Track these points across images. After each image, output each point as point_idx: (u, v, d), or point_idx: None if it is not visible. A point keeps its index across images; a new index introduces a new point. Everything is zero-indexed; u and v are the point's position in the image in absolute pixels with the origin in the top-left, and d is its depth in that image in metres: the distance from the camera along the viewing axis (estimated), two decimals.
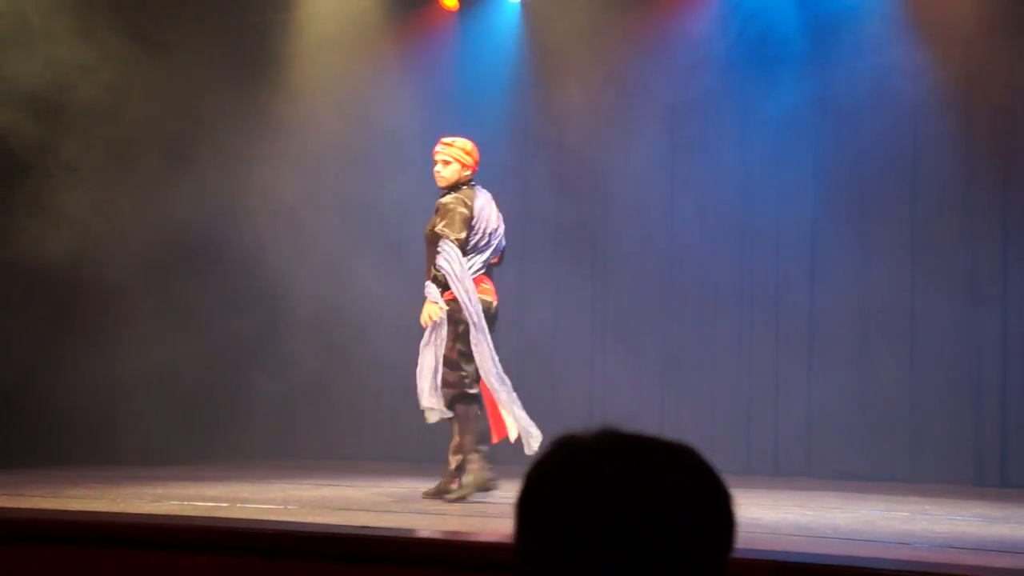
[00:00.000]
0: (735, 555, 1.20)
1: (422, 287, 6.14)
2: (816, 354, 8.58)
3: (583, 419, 8.55)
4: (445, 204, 6.05)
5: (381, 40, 9.37)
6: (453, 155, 6.15)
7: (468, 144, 6.21)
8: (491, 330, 6.07)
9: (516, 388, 6.09)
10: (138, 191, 8.34)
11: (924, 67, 8.33)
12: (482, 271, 6.09)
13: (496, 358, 5.96)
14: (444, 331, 5.97)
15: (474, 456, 6.02)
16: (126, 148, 8.24)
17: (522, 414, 6.00)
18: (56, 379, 8.21)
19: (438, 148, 6.22)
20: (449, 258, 5.93)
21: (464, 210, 6.00)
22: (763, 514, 5.63)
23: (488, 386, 5.99)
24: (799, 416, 8.61)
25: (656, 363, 8.95)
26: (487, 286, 6.11)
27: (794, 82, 8.60)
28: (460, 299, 5.93)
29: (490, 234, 6.10)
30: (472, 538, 4.34)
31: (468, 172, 6.16)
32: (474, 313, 5.91)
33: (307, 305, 9.21)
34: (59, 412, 8.25)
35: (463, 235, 5.96)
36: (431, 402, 6.00)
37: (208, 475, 7.40)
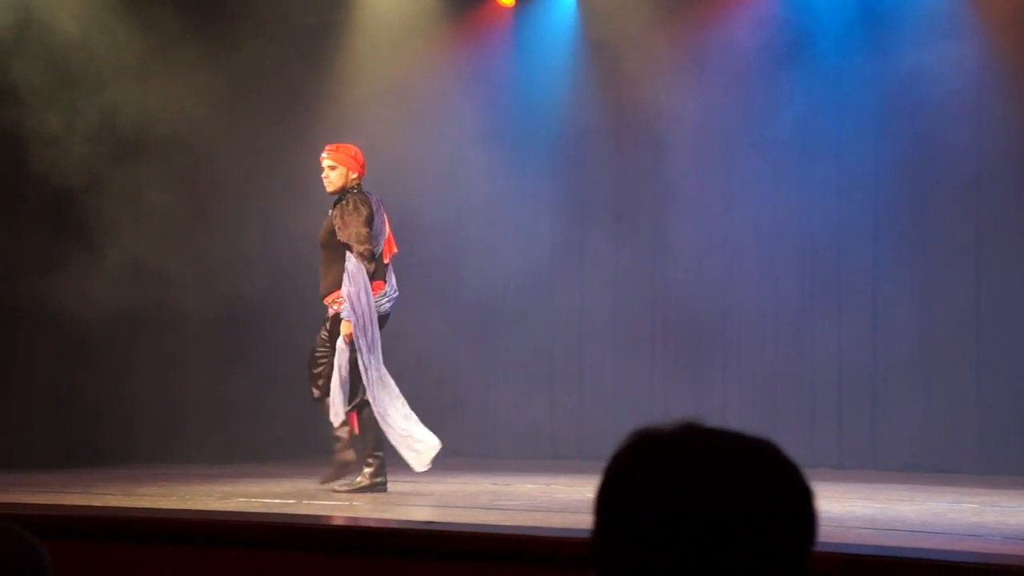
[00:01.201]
0: None
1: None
2: (880, 344, 8.50)
3: (643, 412, 8.54)
4: (344, 212, 6.23)
5: (437, 39, 9.38)
6: (339, 160, 6.32)
7: (353, 149, 6.39)
8: (380, 327, 6.30)
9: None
10: (212, 224, 8.45)
11: (984, 58, 8.19)
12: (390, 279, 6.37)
13: (377, 369, 6.19)
14: (357, 341, 6.20)
15: (372, 459, 6.25)
16: (195, 178, 8.36)
17: (406, 426, 6.21)
18: (125, 380, 8.33)
19: (324, 154, 6.39)
20: (354, 278, 6.16)
21: (364, 220, 6.18)
22: (830, 507, 5.59)
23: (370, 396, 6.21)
24: (863, 408, 8.53)
25: (716, 354, 8.90)
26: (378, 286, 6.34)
27: (852, 73, 8.51)
28: (359, 317, 6.16)
29: (378, 237, 6.31)
30: (540, 533, 4.35)
31: (355, 176, 6.32)
32: (368, 335, 6.15)
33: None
34: (127, 412, 8.37)
35: (367, 245, 6.16)
36: (337, 404, 6.22)
37: (273, 472, 7.46)
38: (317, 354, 6.41)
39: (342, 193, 6.30)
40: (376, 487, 6.24)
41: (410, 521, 4.70)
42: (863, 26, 8.53)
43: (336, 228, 6.25)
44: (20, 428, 7.98)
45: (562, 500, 5.98)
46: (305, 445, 8.62)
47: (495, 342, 9.33)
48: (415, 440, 6.24)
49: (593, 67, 9.32)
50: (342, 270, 6.20)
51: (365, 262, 6.18)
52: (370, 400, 6.21)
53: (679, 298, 9.00)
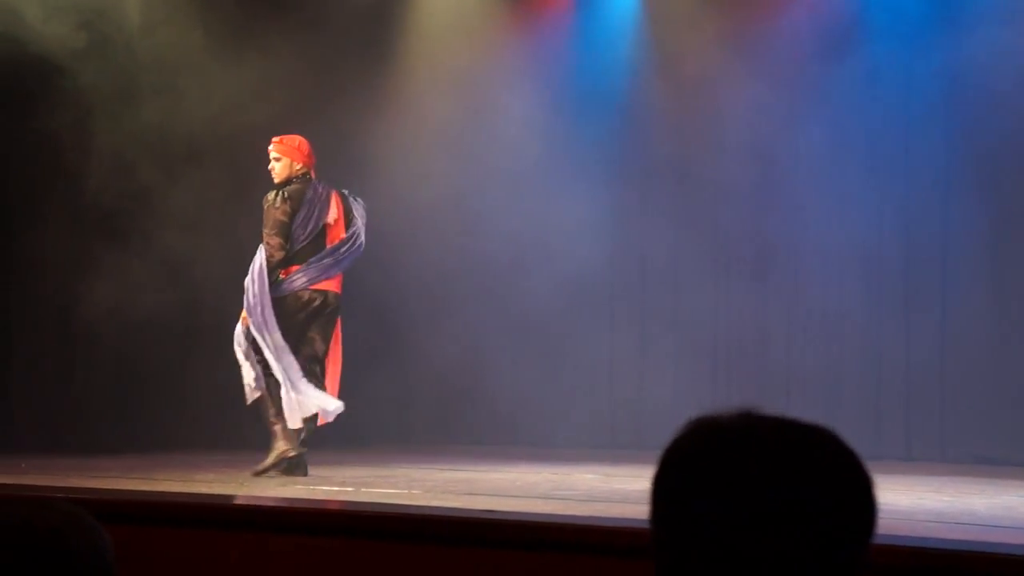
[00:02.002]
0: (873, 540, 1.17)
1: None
2: (948, 335, 8.38)
3: (704, 403, 8.54)
4: (269, 205, 6.52)
5: (497, 26, 9.32)
6: (283, 151, 6.55)
7: (297, 140, 6.59)
8: (331, 320, 6.59)
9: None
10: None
11: None
12: (318, 262, 6.52)
13: (278, 352, 6.42)
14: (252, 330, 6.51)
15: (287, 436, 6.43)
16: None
17: (310, 393, 6.43)
18: (185, 366, 8.42)
19: (271, 147, 6.61)
20: (254, 261, 6.46)
21: (279, 210, 6.44)
22: (898, 499, 5.52)
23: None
24: (932, 399, 8.43)
25: (779, 345, 8.83)
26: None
27: (922, 56, 8.38)
28: (251, 304, 6.45)
29: (324, 225, 6.54)
30: (600, 523, 4.34)
31: (299, 166, 6.54)
32: (257, 314, 6.41)
33: (427, 293, 9.29)
34: (187, 397, 8.46)
35: (275, 237, 6.43)
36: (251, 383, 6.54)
37: (330, 459, 7.51)
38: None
39: (284, 183, 6.54)
40: (285, 463, 6.37)
41: (469, 510, 4.71)
42: (933, 12, 8.39)
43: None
44: (80, 413, 8.10)
45: (622, 490, 5.96)
46: (361, 432, 8.66)
47: (553, 332, 9.32)
48: (315, 399, 6.44)
49: (656, 53, 9.20)
50: None
51: (272, 252, 6.44)
52: (278, 379, 6.40)
53: (741, 292, 8.94)
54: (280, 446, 6.41)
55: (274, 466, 6.37)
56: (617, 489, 6.05)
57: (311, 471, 6.52)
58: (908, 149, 8.57)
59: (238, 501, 5.08)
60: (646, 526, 1.19)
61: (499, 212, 9.02)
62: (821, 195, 8.68)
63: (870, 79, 8.55)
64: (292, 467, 6.41)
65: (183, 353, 8.48)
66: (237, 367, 6.63)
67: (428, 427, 9.60)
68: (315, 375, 6.51)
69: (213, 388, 8.65)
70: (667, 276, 9.16)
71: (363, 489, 5.89)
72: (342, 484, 6.10)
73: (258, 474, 6.31)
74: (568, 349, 9.32)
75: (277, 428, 6.45)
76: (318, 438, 8.58)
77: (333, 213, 6.59)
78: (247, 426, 8.66)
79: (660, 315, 9.15)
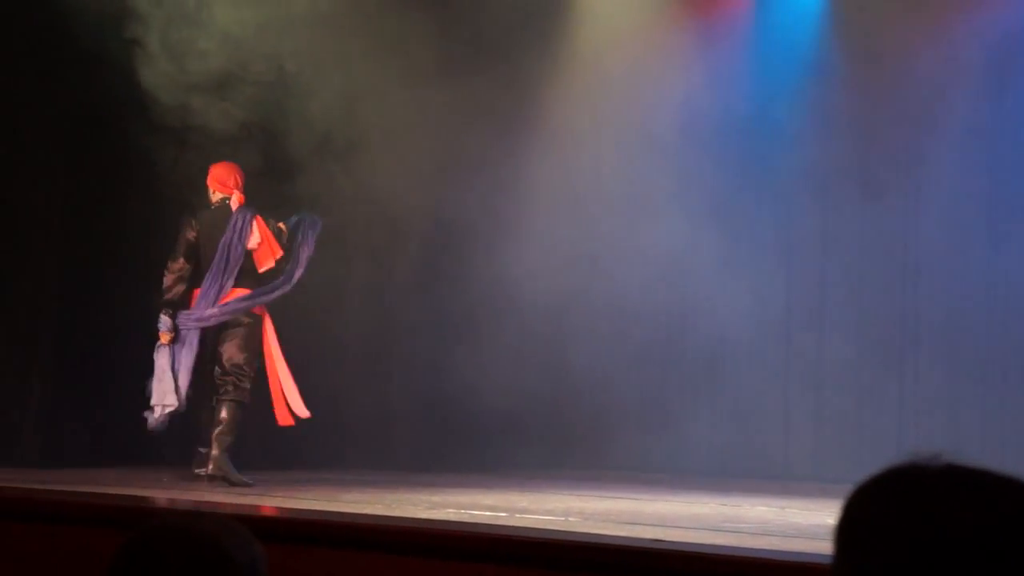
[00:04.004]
0: None
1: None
2: None
3: (886, 435, 8.10)
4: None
5: (671, 19, 9.08)
6: (208, 180, 7.25)
7: (215, 168, 7.23)
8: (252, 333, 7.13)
9: None
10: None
11: None
12: (230, 285, 7.10)
13: (187, 370, 7.03)
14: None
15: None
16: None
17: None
18: (334, 384, 8.41)
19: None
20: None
21: (184, 234, 7.13)
22: None
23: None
24: None
25: (973, 374, 8.38)
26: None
27: None
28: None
29: (231, 250, 7.09)
30: (776, 557, 4.11)
31: (219, 195, 7.20)
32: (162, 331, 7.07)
33: (592, 312, 9.13)
34: (334, 416, 8.43)
35: (176, 260, 7.12)
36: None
37: (482, 483, 7.41)
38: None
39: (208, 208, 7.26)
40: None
41: (637, 539, 4.51)
42: None
43: None
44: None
45: (798, 524, 5.69)
46: (516, 456, 8.55)
47: (724, 354, 9.03)
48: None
49: (843, 50, 8.83)
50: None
51: (167, 272, 7.15)
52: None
53: (932, 310, 8.53)
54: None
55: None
56: (793, 523, 5.78)
57: (466, 496, 6.40)
58: None
59: (379, 522, 5.02)
60: (827, 563, 1.21)
61: (667, 225, 8.79)
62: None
63: None
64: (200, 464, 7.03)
65: (331, 372, 8.48)
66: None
67: (583, 454, 9.40)
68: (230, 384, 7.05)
69: (361, 407, 8.65)
70: (849, 292, 8.79)
71: (517, 515, 5.74)
72: (493, 509, 5.97)
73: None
74: (738, 374, 9.03)
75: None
76: (466, 461, 8.52)
77: (255, 239, 7.13)
78: (394, 446, 8.65)
79: (840, 335, 8.79)
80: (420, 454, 8.63)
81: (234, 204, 7.13)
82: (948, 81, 8.24)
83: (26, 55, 7.64)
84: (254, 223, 7.11)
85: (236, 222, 7.08)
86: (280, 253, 7.13)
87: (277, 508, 5.62)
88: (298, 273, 7.11)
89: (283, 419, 7.14)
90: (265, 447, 8.09)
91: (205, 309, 7.02)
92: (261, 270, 7.13)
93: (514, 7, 8.69)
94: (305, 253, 7.14)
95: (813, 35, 8.99)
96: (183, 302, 7.07)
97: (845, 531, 1.18)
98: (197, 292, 7.06)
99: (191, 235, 7.08)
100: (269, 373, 7.13)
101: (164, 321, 7.01)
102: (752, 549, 4.50)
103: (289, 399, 7.09)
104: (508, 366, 8.64)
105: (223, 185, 7.16)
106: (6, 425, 7.75)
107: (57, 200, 8.07)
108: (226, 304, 7.04)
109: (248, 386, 7.05)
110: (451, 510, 5.85)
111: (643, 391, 9.20)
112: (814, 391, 8.92)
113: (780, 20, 9.11)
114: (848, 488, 1.24)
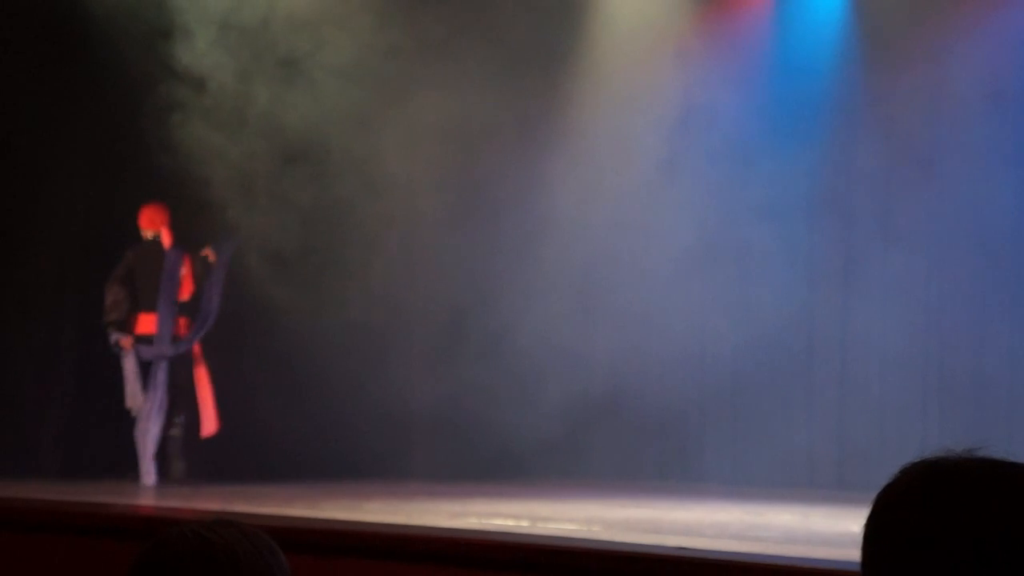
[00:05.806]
0: None
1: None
2: None
3: (912, 439, 8.08)
4: None
5: (690, 23, 9.08)
6: (141, 218, 8.12)
7: (148, 209, 8.11)
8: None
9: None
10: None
11: None
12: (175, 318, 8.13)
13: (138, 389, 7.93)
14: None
15: None
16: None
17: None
18: (354, 393, 8.46)
19: None
20: None
21: (124, 262, 8.02)
22: None
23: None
24: None
25: (1000, 379, 8.38)
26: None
27: None
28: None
29: (172, 289, 8.09)
30: (800, 564, 4.14)
31: (149, 232, 8.09)
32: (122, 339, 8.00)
33: (606, 321, 9.15)
34: (355, 426, 8.48)
35: (112, 286, 7.98)
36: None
37: (503, 492, 7.43)
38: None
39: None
40: None
41: (660, 547, 4.54)
42: None
43: None
44: (245, 440, 8.20)
45: (822, 532, 5.72)
46: (532, 465, 8.57)
47: (746, 358, 9.04)
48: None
49: (864, 51, 8.82)
50: None
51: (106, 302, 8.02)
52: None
53: (957, 311, 8.51)
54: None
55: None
56: (817, 531, 5.81)
57: (488, 505, 6.40)
58: None
59: (402, 532, 5.05)
60: (849, 568, 1.17)
61: (688, 239, 8.82)
62: None
63: None
64: None
65: (351, 379, 8.52)
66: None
67: (607, 462, 9.42)
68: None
69: (380, 416, 8.68)
70: (873, 293, 8.77)
71: (539, 524, 5.77)
72: (515, 517, 6.00)
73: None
74: (762, 379, 9.03)
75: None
76: (485, 469, 8.56)
77: (183, 274, 8.14)
78: (414, 455, 8.68)
79: (863, 338, 8.79)
80: (440, 464, 8.65)
81: (165, 240, 8.10)
82: (975, 92, 8.21)
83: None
84: (184, 260, 8.19)
85: (172, 263, 8.12)
86: (192, 290, 8.17)
87: (301, 518, 5.66)
88: (216, 300, 8.09)
89: (208, 430, 8.05)
90: (287, 456, 8.18)
91: (164, 346, 8.01)
92: (181, 300, 8.19)
93: (532, 18, 8.74)
94: (219, 276, 8.10)
95: (833, 52, 8.98)
96: (126, 323, 7.96)
97: (872, 532, 1.17)
98: (141, 315, 8.00)
99: (129, 264, 8.02)
100: (199, 386, 8.07)
101: (114, 336, 7.90)
102: (777, 556, 4.53)
103: (207, 411, 8.05)
104: (529, 376, 8.69)
105: (152, 223, 8.13)
106: (26, 438, 7.88)
107: (79, 214, 8.34)
108: (179, 343, 8.08)
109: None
110: (473, 519, 5.90)
111: (666, 401, 9.21)
112: (837, 394, 8.91)
113: (800, 34, 9.12)
114: (872, 495, 1.24)
